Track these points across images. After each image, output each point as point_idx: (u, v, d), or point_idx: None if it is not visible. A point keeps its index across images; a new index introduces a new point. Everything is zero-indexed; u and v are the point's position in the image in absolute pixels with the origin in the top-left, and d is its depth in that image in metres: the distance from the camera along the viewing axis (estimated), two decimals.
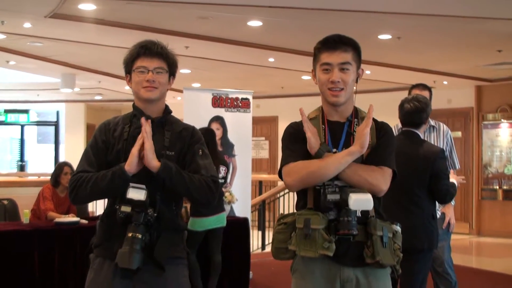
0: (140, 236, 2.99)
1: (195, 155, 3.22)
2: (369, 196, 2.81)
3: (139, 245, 2.98)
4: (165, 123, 3.28)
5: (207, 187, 3.13)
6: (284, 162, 3.04)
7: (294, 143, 3.07)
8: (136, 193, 3.03)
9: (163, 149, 3.16)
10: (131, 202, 3.01)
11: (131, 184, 3.04)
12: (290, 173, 3.00)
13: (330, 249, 2.83)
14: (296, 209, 3.06)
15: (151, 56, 3.30)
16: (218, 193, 3.28)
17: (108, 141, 3.22)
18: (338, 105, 3.02)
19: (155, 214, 3.05)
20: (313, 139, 2.95)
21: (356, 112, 3.08)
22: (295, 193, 3.11)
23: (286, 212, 3.19)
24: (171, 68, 3.32)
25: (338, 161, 2.88)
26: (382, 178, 2.94)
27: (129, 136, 3.19)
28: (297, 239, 2.90)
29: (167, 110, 3.32)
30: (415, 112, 4.67)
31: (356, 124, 3.02)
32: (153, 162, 3.01)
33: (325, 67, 2.99)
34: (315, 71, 3.07)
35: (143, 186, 3.04)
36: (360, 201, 2.80)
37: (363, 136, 2.87)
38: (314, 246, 2.84)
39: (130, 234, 3.00)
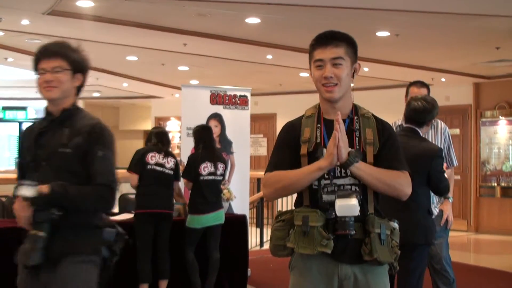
0: (42, 234, 3.06)
1: (94, 159, 3.21)
2: (354, 202, 2.80)
3: (40, 242, 3.06)
4: (66, 119, 3.30)
5: (99, 197, 3.19)
6: (267, 168, 3.07)
7: (282, 147, 3.09)
8: (26, 190, 3.06)
9: (60, 147, 3.20)
10: (26, 199, 3.06)
11: (22, 182, 3.10)
12: (265, 185, 3.07)
13: (328, 246, 2.83)
14: (294, 206, 3.06)
15: (49, 57, 3.35)
16: (114, 198, 3.27)
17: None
18: (333, 101, 3.00)
19: (60, 213, 3.10)
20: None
21: (355, 109, 3.07)
22: None
23: (284, 209, 3.17)
24: (74, 65, 3.35)
25: (308, 176, 2.90)
26: (407, 183, 2.98)
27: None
28: (295, 236, 2.90)
29: (70, 107, 3.35)
30: (420, 111, 4.70)
31: (357, 122, 3.01)
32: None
33: (318, 64, 2.99)
34: (310, 68, 3.07)
35: (34, 183, 3.08)
36: (346, 207, 2.80)
37: (331, 153, 2.82)
38: (312, 244, 2.84)
39: (32, 232, 3.09)
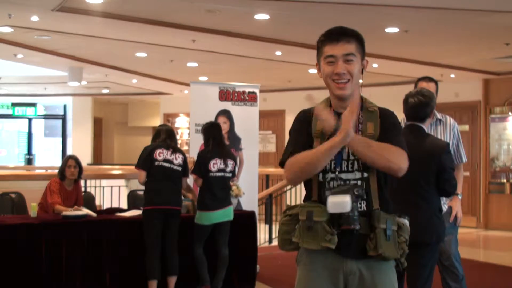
0: None
1: None
2: (346, 199, 2.78)
3: None
4: None
5: None
6: (283, 156, 3.04)
7: (299, 133, 3.06)
8: None
9: None
10: None
11: None
12: (286, 170, 3.02)
13: (332, 241, 2.83)
14: (303, 201, 3.05)
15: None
16: None
17: None
18: (345, 98, 2.98)
19: None
20: (328, 122, 2.86)
21: (362, 104, 3.05)
22: (302, 186, 3.10)
23: (293, 204, 3.16)
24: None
25: (323, 155, 2.84)
26: (402, 157, 2.90)
27: None
28: (300, 231, 2.90)
29: None
30: (419, 106, 4.65)
31: (361, 116, 3.00)
32: None
33: (329, 60, 2.95)
34: (319, 64, 3.04)
35: None
36: (337, 204, 2.79)
37: (346, 123, 2.76)
38: (316, 239, 2.84)
39: None
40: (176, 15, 9.06)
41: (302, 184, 3.09)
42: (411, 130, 4.64)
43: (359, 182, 2.92)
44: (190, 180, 7.17)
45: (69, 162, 7.50)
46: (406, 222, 2.98)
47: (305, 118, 3.07)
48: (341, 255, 2.90)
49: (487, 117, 14.06)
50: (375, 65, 12.20)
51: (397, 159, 2.87)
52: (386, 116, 3.04)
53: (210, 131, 7.11)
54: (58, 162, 16.68)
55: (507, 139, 13.85)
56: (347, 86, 2.95)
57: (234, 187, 7.54)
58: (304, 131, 3.03)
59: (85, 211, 7.08)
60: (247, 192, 8.21)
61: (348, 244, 2.88)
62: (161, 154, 6.75)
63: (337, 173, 2.93)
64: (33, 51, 11.88)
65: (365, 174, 2.94)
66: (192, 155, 7.55)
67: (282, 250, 3.08)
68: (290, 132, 3.13)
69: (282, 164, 3.04)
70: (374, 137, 2.94)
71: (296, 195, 11.47)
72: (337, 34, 2.97)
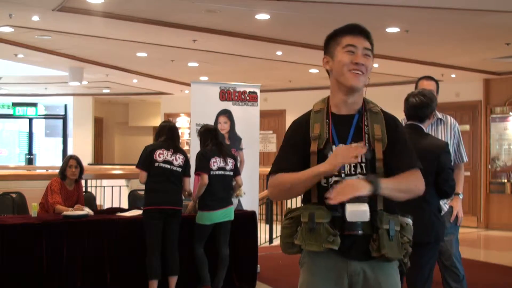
0: None
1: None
2: (365, 207, 2.76)
3: None
4: None
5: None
6: (271, 168, 3.06)
7: (288, 147, 3.06)
8: None
9: None
10: None
11: None
12: (270, 186, 3.06)
13: (335, 242, 2.81)
14: (302, 203, 3.04)
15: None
16: None
17: None
18: (356, 90, 2.95)
19: None
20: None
21: (364, 104, 3.03)
22: None
23: (293, 205, 3.14)
24: None
25: (307, 181, 2.88)
26: (421, 182, 2.96)
27: None
28: (302, 233, 2.88)
29: None
30: (419, 106, 4.66)
31: (366, 118, 2.97)
32: None
33: (350, 49, 2.92)
34: (332, 55, 2.99)
35: None
36: (357, 213, 2.76)
37: (333, 163, 2.79)
38: (319, 240, 2.83)
39: None
40: (177, 15, 9.06)
41: None
42: (411, 129, 4.64)
43: None
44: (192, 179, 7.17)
45: (70, 162, 7.50)
46: (409, 221, 2.96)
47: (300, 124, 3.05)
48: (344, 257, 2.89)
49: (488, 117, 14.05)
50: (375, 65, 12.19)
51: (418, 186, 2.95)
52: (391, 120, 3.03)
53: (207, 134, 7.12)
54: (58, 162, 16.69)
55: (507, 139, 13.84)
56: (361, 78, 2.93)
57: (240, 191, 7.54)
58: (298, 143, 3.00)
59: (86, 210, 7.10)
60: (248, 192, 8.20)
61: (351, 246, 2.86)
62: (161, 155, 6.74)
63: (343, 175, 2.90)
64: (33, 51, 11.88)
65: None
66: (193, 155, 7.53)
67: (285, 253, 3.07)
68: (282, 142, 3.11)
69: (270, 174, 3.07)
70: (383, 141, 2.93)
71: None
72: (357, 29, 2.97)
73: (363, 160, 2.90)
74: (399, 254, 2.89)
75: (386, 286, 2.92)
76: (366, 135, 2.95)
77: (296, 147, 3.00)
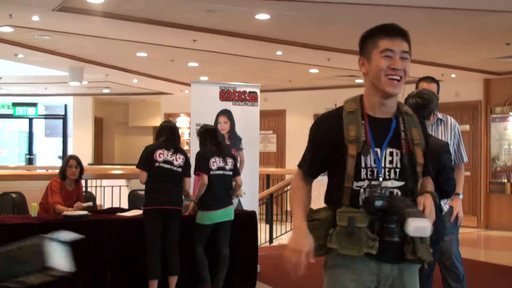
0: None
1: None
2: (428, 223, 2.64)
3: None
4: None
5: None
6: (300, 161, 3.07)
7: (317, 146, 3.01)
8: None
9: None
10: None
11: None
12: (292, 184, 3.12)
13: (374, 247, 2.76)
14: (326, 203, 2.97)
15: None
16: None
17: None
18: (394, 95, 2.89)
19: None
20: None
21: (398, 107, 2.97)
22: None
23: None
24: None
25: (293, 213, 2.98)
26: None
27: None
28: (338, 236, 2.81)
29: None
30: (418, 107, 4.65)
31: (403, 122, 2.92)
32: None
33: (387, 54, 2.82)
34: (369, 58, 2.90)
35: None
36: (420, 229, 2.63)
37: (298, 252, 2.84)
38: (358, 245, 2.77)
39: None
40: (177, 15, 9.06)
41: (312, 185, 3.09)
42: None
43: (395, 191, 2.85)
44: (192, 179, 7.17)
45: (70, 162, 7.50)
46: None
47: (330, 126, 2.96)
48: (377, 259, 2.85)
49: (488, 117, 14.05)
50: None
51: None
52: (424, 124, 3.03)
53: (206, 134, 7.12)
54: (58, 162, 16.69)
55: (507, 139, 13.84)
56: (400, 84, 2.86)
57: (239, 190, 7.54)
58: (328, 142, 2.93)
59: (86, 204, 7.15)
60: (248, 192, 8.21)
61: (385, 249, 2.81)
62: (161, 155, 6.73)
63: (380, 179, 2.84)
64: (33, 51, 11.88)
65: (401, 183, 2.87)
66: (192, 155, 7.54)
67: (316, 256, 2.97)
68: (310, 139, 3.05)
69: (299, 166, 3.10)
70: (421, 144, 2.92)
71: None
72: (394, 30, 2.87)
73: (398, 165, 2.87)
74: (430, 256, 2.91)
75: (409, 286, 2.95)
76: (403, 141, 2.89)
77: (322, 152, 2.97)
